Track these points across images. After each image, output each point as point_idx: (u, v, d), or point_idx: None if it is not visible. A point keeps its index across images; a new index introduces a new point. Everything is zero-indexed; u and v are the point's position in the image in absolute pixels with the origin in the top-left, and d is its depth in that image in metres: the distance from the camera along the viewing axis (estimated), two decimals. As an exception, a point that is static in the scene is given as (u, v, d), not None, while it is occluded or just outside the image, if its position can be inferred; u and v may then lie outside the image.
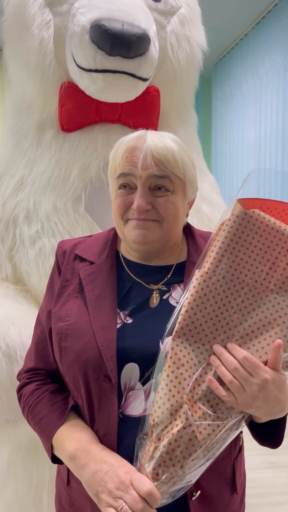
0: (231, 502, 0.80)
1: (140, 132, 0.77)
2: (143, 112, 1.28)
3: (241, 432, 0.82)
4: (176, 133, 1.40)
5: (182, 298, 0.70)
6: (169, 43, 1.27)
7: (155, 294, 0.77)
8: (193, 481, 0.67)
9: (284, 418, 0.73)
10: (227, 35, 3.69)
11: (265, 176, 3.34)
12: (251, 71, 3.57)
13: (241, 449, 0.84)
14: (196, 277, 0.68)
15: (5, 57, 1.35)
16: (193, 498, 0.72)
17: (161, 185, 0.74)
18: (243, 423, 0.69)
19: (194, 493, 0.72)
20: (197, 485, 0.71)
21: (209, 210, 1.40)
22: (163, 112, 1.34)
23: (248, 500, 2.06)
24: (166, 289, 0.78)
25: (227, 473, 0.78)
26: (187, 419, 0.63)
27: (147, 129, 0.79)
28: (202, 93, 4.49)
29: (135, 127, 1.28)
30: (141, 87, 1.18)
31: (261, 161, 3.43)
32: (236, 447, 0.81)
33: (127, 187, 0.76)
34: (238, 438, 0.82)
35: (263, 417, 0.68)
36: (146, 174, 0.73)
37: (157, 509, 0.65)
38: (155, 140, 0.74)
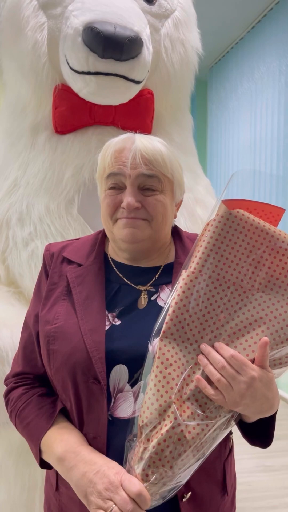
0: (222, 504, 0.79)
1: (128, 134, 0.78)
2: (137, 114, 1.28)
3: (231, 433, 0.82)
4: (171, 136, 1.42)
5: (169, 299, 0.70)
6: (163, 46, 1.28)
7: (143, 295, 0.77)
8: (183, 482, 0.66)
9: (274, 417, 0.72)
10: (223, 38, 3.71)
11: (259, 179, 3.35)
12: (247, 75, 3.59)
13: (231, 450, 0.84)
14: (183, 277, 0.69)
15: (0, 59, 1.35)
16: (184, 500, 0.72)
17: (150, 185, 0.75)
18: (232, 423, 0.69)
19: (185, 495, 0.72)
20: (188, 486, 0.71)
21: (203, 213, 1.41)
22: (158, 115, 1.34)
23: (242, 503, 2.07)
24: (154, 290, 0.78)
25: (217, 474, 0.78)
26: (175, 418, 0.63)
27: (135, 132, 0.80)
28: (198, 96, 4.50)
29: (129, 129, 1.29)
30: (134, 89, 1.19)
31: (256, 164, 3.45)
32: (226, 448, 0.81)
33: (116, 188, 0.76)
34: (228, 439, 0.81)
35: (252, 416, 0.68)
36: (136, 173, 0.74)
37: (148, 510, 0.64)
38: (143, 141, 0.75)
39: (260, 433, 0.74)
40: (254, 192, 3.43)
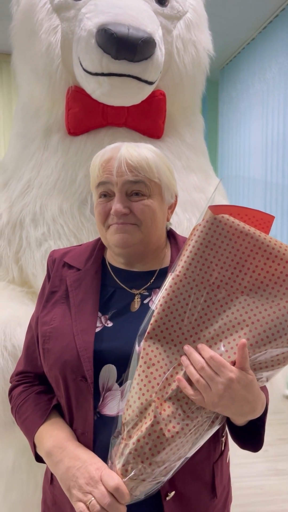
0: (211, 506, 0.80)
1: (115, 144, 0.81)
2: (149, 116, 1.28)
3: (223, 436, 0.82)
4: (182, 137, 1.42)
5: (155, 301, 0.72)
6: (175, 47, 1.28)
7: (137, 298, 0.81)
8: (164, 480, 0.68)
9: (263, 420, 0.73)
10: (234, 39, 3.70)
11: (271, 187, 3.33)
12: (258, 75, 3.57)
13: (222, 453, 0.84)
14: (168, 280, 0.71)
15: (13, 62, 1.37)
16: (168, 498, 0.73)
17: (136, 190, 0.78)
18: (216, 425, 0.70)
19: (169, 493, 0.73)
20: (172, 485, 0.73)
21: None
22: (169, 116, 1.34)
23: (253, 507, 2.05)
24: (147, 293, 0.81)
25: (205, 476, 0.79)
26: (155, 416, 0.65)
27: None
28: (209, 97, 4.49)
29: (141, 130, 1.29)
30: (147, 90, 1.19)
31: (268, 165, 3.43)
32: (216, 450, 0.81)
33: (106, 196, 0.80)
34: (218, 441, 0.82)
35: (234, 417, 0.69)
36: (122, 180, 0.77)
37: (130, 507, 0.67)
38: (129, 150, 0.78)
39: (249, 436, 0.75)
40: (266, 196, 3.41)
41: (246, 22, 3.38)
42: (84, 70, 1.14)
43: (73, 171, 1.24)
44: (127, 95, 1.17)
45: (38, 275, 1.25)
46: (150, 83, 1.17)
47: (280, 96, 3.25)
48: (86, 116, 1.25)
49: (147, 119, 1.28)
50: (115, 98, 1.18)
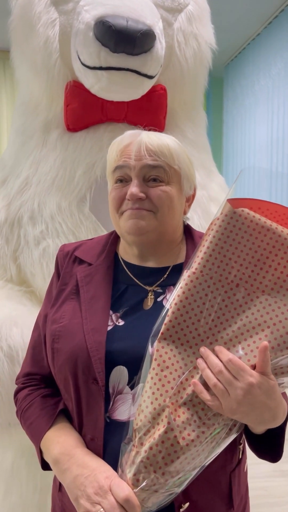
0: None
1: (134, 130, 0.78)
2: (149, 111, 1.26)
3: (240, 444, 0.78)
4: (184, 132, 1.39)
5: (170, 299, 0.68)
6: (176, 41, 1.25)
7: (150, 296, 0.76)
8: (178, 491, 0.64)
9: (283, 429, 0.69)
10: (239, 35, 3.66)
11: (277, 179, 3.29)
12: (263, 71, 3.53)
13: (240, 462, 0.79)
14: (184, 278, 0.67)
15: (12, 58, 1.35)
16: (181, 510, 0.69)
17: (155, 175, 0.74)
18: (234, 433, 0.66)
19: (183, 505, 0.69)
20: (186, 496, 0.69)
21: (218, 210, 1.38)
22: (171, 111, 1.32)
23: (258, 509, 2.02)
24: (161, 291, 0.77)
25: (221, 486, 0.74)
26: (169, 423, 0.61)
27: (144, 128, 0.80)
28: (213, 93, 4.46)
29: (141, 126, 1.27)
30: (147, 84, 1.16)
31: (273, 162, 3.39)
32: (233, 459, 0.76)
33: (123, 181, 0.76)
34: (236, 450, 0.77)
35: (253, 425, 0.65)
36: (140, 164, 0.73)
37: None
38: (150, 135, 0.75)
39: (268, 446, 0.70)
40: (271, 192, 3.37)
41: (250, 17, 3.34)
42: (82, 64, 1.12)
43: (72, 168, 1.22)
44: (127, 89, 1.14)
45: (37, 274, 1.23)
46: (150, 77, 1.14)
47: (286, 92, 3.21)
48: (85, 112, 1.22)
49: (148, 115, 1.25)
50: (114, 92, 1.16)
